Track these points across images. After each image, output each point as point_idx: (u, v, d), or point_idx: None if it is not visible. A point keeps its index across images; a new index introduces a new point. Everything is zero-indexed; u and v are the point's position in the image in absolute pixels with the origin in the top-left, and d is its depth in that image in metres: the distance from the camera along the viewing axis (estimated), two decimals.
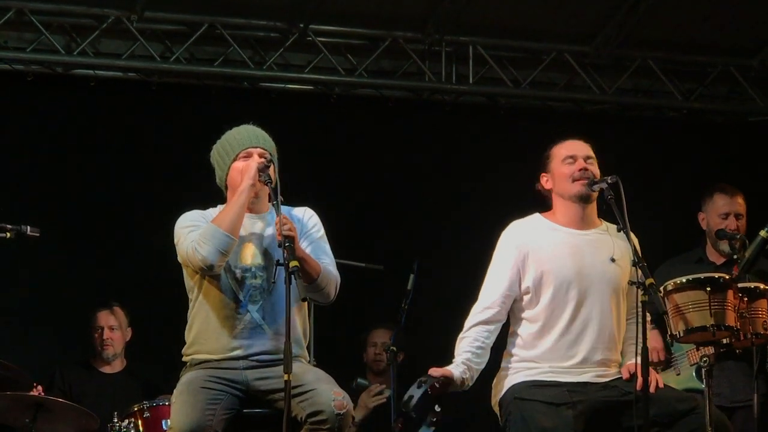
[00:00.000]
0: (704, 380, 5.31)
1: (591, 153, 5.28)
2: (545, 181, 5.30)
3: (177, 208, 5.39)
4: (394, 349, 6.17)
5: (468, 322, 5.20)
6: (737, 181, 6.63)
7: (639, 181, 6.61)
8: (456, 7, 8.00)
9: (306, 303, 5.27)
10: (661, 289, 5.18)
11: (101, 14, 7.75)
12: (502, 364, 5.25)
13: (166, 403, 6.09)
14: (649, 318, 5.15)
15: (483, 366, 5.16)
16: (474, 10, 8.06)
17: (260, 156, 5.24)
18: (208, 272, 5.14)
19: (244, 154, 5.27)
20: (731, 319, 5.17)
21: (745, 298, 5.26)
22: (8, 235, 6.00)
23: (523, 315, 5.21)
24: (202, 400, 5.03)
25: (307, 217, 5.34)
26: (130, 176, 7.91)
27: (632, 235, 5.07)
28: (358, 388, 7.20)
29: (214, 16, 7.91)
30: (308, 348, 5.47)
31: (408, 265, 6.32)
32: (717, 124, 8.88)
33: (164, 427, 6.21)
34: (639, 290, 4.94)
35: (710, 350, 5.37)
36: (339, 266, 5.45)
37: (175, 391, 5.16)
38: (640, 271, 4.95)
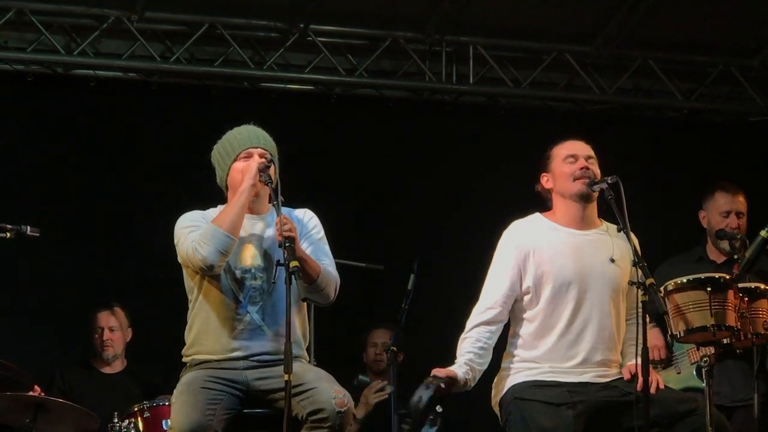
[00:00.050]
0: (704, 380, 5.32)
1: (592, 153, 5.28)
2: (546, 181, 5.30)
3: (177, 208, 5.39)
4: (395, 349, 6.17)
5: (470, 323, 5.20)
6: (738, 181, 6.62)
7: (639, 181, 6.59)
8: (456, 7, 8.00)
9: (305, 304, 5.27)
10: (662, 289, 5.18)
11: (101, 14, 7.75)
12: (503, 365, 5.25)
13: (166, 403, 6.09)
14: (648, 318, 5.16)
15: (485, 366, 5.16)
16: (474, 10, 8.06)
17: (261, 156, 5.24)
18: (208, 272, 5.14)
19: (244, 155, 5.27)
20: (732, 319, 5.17)
21: (746, 298, 5.27)
22: (8, 235, 5.99)
23: (524, 315, 5.21)
24: (203, 400, 5.03)
25: (307, 218, 5.34)
26: (130, 176, 7.91)
27: (632, 235, 5.07)
28: (359, 385, 7.20)
29: (214, 16, 7.91)
30: (308, 349, 5.46)
31: (408, 265, 6.32)
32: (717, 124, 8.88)
33: (164, 427, 6.21)
34: (639, 290, 4.94)
35: (711, 350, 5.37)
36: (339, 266, 5.45)
37: (175, 391, 5.16)
38: (640, 271, 4.95)
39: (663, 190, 8.44)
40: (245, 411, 5.16)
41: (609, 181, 5.13)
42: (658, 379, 5.13)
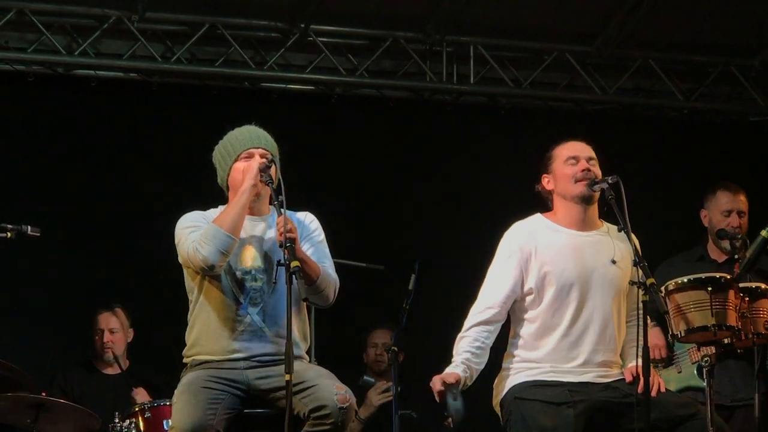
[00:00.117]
0: (705, 380, 5.32)
1: (593, 154, 5.27)
2: (546, 182, 5.30)
3: (178, 208, 5.39)
4: (396, 349, 6.17)
5: (468, 322, 5.20)
6: (738, 181, 6.62)
7: (640, 180, 6.59)
8: (457, 7, 8.00)
9: (306, 306, 5.28)
10: (662, 288, 5.18)
11: (102, 14, 7.76)
12: (503, 365, 5.25)
13: (167, 403, 6.10)
14: (649, 318, 5.16)
15: (482, 366, 5.16)
16: (475, 10, 8.06)
17: (262, 156, 5.24)
18: (208, 272, 5.14)
19: (245, 155, 5.27)
20: (732, 319, 5.17)
21: (747, 298, 5.27)
22: (9, 235, 5.99)
23: (525, 316, 5.21)
24: (204, 400, 5.03)
25: (308, 221, 5.34)
26: (131, 176, 7.91)
27: (632, 235, 5.07)
28: (364, 386, 7.20)
29: (215, 17, 7.91)
30: (309, 350, 5.46)
31: (409, 265, 6.32)
32: (718, 124, 8.88)
33: (165, 427, 6.21)
34: (640, 290, 4.94)
35: (711, 350, 5.37)
36: (340, 266, 5.45)
37: (176, 391, 5.16)
38: (640, 271, 4.95)
39: (663, 189, 8.44)
40: (246, 411, 5.16)
41: (609, 181, 5.13)
42: (660, 381, 5.12)
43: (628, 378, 5.10)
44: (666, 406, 5.05)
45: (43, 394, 6.50)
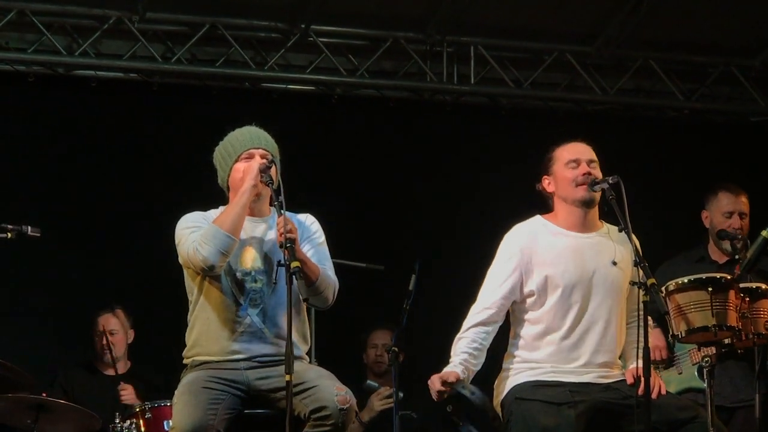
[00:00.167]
0: (706, 380, 5.31)
1: (594, 156, 5.26)
2: (547, 184, 5.29)
3: (178, 208, 5.39)
4: (396, 350, 6.17)
5: (466, 323, 5.20)
6: (739, 181, 6.62)
7: (640, 181, 6.60)
8: (457, 8, 8.00)
9: (306, 307, 5.28)
10: (663, 289, 5.18)
11: (102, 15, 7.76)
12: (504, 365, 5.25)
13: (168, 404, 6.10)
14: (650, 319, 5.15)
15: (479, 367, 5.17)
16: (475, 11, 8.06)
17: (262, 157, 5.24)
18: (209, 273, 5.14)
19: (245, 155, 5.27)
20: (733, 320, 5.17)
21: (747, 299, 5.27)
22: (9, 235, 6.00)
23: (526, 317, 5.21)
24: (204, 401, 5.03)
25: (309, 222, 5.35)
26: (131, 177, 7.91)
27: (633, 236, 5.07)
28: (367, 390, 7.20)
29: (215, 17, 7.91)
30: (309, 352, 5.47)
31: (409, 266, 6.32)
32: (718, 125, 8.88)
33: (166, 427, 6.21)
34: (640, 290, 4.94)
35: (712, 350, 5.37)
36: (340, 266, 5.45)
37: (176, 391, 5.16)
38: (641, 271, 4.95)
39: (664, 190, 8.44)
40: (246, 411, 5.16)
41: (610, 181, 5.12)
42: (661, 384, 5.12)
43: (629, 380, 5.09)
44: (666, 408, 5.04)
45: (44, 394, 6.50)
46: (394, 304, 6.30)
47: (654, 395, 4.99)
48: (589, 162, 5.22)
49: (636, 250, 5.02)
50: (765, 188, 7.67)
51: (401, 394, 6.05)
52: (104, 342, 7.23)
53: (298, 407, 5.00)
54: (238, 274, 5.20)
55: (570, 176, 5.20)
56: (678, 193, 8.28)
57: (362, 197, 8.22)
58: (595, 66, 8.53)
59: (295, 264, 4.88)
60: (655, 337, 6.05)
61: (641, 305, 4.96)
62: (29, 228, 6.01)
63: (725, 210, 6.41)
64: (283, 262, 4.95)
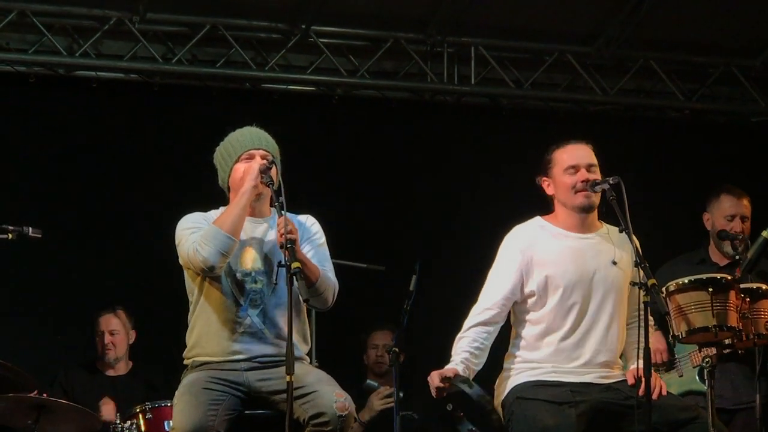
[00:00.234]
0: (706, 381, 5.31)
1: (593, 159, 5.25)
2: (546, 185, 5.29)
3: (179, 209, 5.40)
4: (396, 350, 6.17)
5: (467, 323, 5.21)
6: (739, 182, 6.62)
7: (641, 181, 6.60)
8: (458, 8, 8.00)
9: (306, 308, 5.28)
10: (663, 289, 5.18)
11: (103, 16, 7.76)
12: (505, 365, 5.26)
13: (168, 404, 6.10)
14: (652, 321, 5.16)
15: (480, 367, 5.17)
16: (476, 11, 8.06)
17: (262, 158, 5.24)
18: (209, 273, 5.14)
19: (246, 156, 5.27)
20: (733, 320, 5.17)
21: (748, 299, 5.27)
22: (10, 236, 5.99)
23: (527, 317, 5.21)
24: (204, 401, 5.03)
25: (310, 224, 5.35)
26: (132, 177, 7.91)
27: (633, 236, 5.07)
28: (367, 390, 7.20)
29: (216, 18, 7.91)
30: (310, 353, 5.47)
31: (410, 266, 6.32)
32: (719, 125, 8.88)
33: (166, 428, 6.21)
34: (641, 291, 4.94)
35: (712, 351, 5.37)
36: (340, 267, 5.45)
37: (176, 392, 5.16)
38: (641, 272, 4.95)
39: (664, 190, 8.44)
40: (247, 412, 5.16)
41: (611, 182, 5.12)
42: (662, 384, 5.12)
43: (631, 380, 5.09)
44: (667, 409, 5.05)
45: (44, 395, 6.50)
46: (395, 305, 6.30)
47: (655, 396, 4.99)
48: (588, 167, 5.21)
49: (636, 250, 5.02)
50: (765, 189, 7.66)
51: (401, 394, 6.05)
52: (105, 341, 7.23)
53: (298, 412, 5.00)
54: (239, 275, 5.20)
55: (569, 182, 5.20)
56: (678, 193, 8.29)
57: (363, 198, 8.22)
58: (596, 66, 8.53)
59: (295, 265, 4.88)
60: (656, 340, 6.05)
61: (641, 306, 4.96)
62: (30, 229, 6.01)
63: (727, 213, 6.41)
64: (283, 263, 4.95)
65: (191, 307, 5.28)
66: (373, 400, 7.19)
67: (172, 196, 7.33)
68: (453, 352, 5.16)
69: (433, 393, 5.07)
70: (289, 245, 4.93)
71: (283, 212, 5.01)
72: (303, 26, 7.99)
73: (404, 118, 8.44)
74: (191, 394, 5.08)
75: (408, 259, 6.37)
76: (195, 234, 5.16)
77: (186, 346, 5.29)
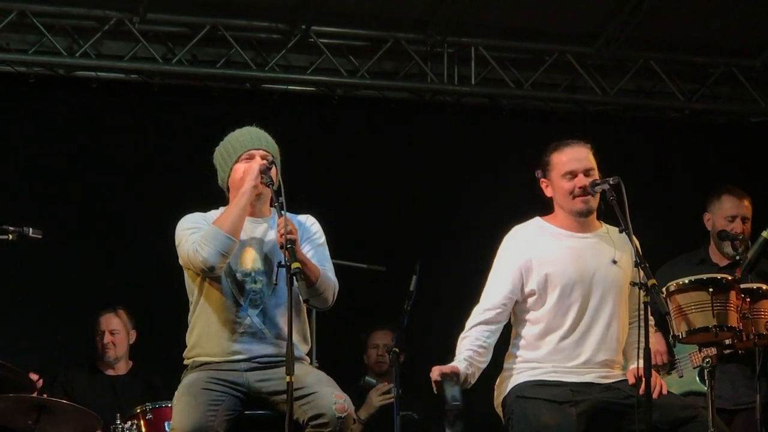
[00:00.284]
0: (706, 382, 5.31)
1: (590, 162, 5.23)
2: (545, 187, 5.30)
3: (179, 209, 5.40)
4: (397, 350, 6.18)
5: (469, 323, 5.22)
6: (739, 182, 6.63)
7: (641, 182, 6.60)
8: (458, 8, 8.00)
9: (306, 308, 5.28)
10: (664, 290, 5.19)
11: (103, 16, 7.75)
12: (505, 365, 5.26)
13: (169, 405, 6.09)
14: (653, 321, 5.16)
15: (485, 365, 5.17)
16: (476, 11, 8.05)
17: (262, 158, 5.24)
18: (209, 274, 5.14)
19: (246, 156, 5.27)
20: (734, 320, 5.17)
21: (748, 299, 5.27)
22: (10, 237, 5.99)
23: (527, 317, 5.22)
24: (204, 402, 5.03)
25: (309, 223, 5.35)
26: (132, 178, 7.91)
27: (633, 237, 5.07)
28: (365, 386, 7.20)
29: (216, 18, 7.90)
30: (310, 353, 5.47)
31: (410, 267, 6.32)
32: (719, 125, 8.88)
33: (167, 428, 6.20)
34: (641, 291, 4.94)
35: (713, 351, 5.37)
36: (341, 267, 5.45)
37: (176, 393, 5.16)
38: (641, 272, 4.95)
39: (664, 190, 8.44)
40: (247, 412, 5.16)
41: (611, 182, 5.13)
42: (662, 383, 5.12)
43: (631, 380, 5.10)
44: (667, 407, 5.05)
45: (44, 395, 6.50)
46: (395, 305, 6.30)
47: (655, 395, 4.99)
48: (586, 171, 5.20)
49: (636, 250, 5.02)
50: (766, 189, 7.67)
51: (399, 390, 6.06)
52: (105, 341, 7.23)
53: (297, 413, 4.99)
54: (239, 275, 5.20)
55: (567, 188, 5.21)
56: (678, 193, 8.29)
57: (363, 198, 8.22)
58: (596, 66, 8.52)
59: (295, 265, 4.88)
60: (656, 342, 6.04)
61: (642, 306, 4.96)
62: (31, 230, 6.01)
63: (728, 214, 6.41)
64: (283, 263, 4.95)
65: (191, 308, 5.29)
66: (372, 396, 7.20)
67: (172, 196, 7.33)
68: (457, 351, 5.17)
69: (434, 387, 5.08)
70: (289, 245, 4.93)
71: (283, 212, 5.01)
72: (303, 26, 7.99)
73: (404, 119, 8.44)
74: (191, 394, 5.08)
75: (408, 260, 6.38)
76: (195, 234, 5.16)
77: (186, 346, 5.30)
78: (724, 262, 6.42)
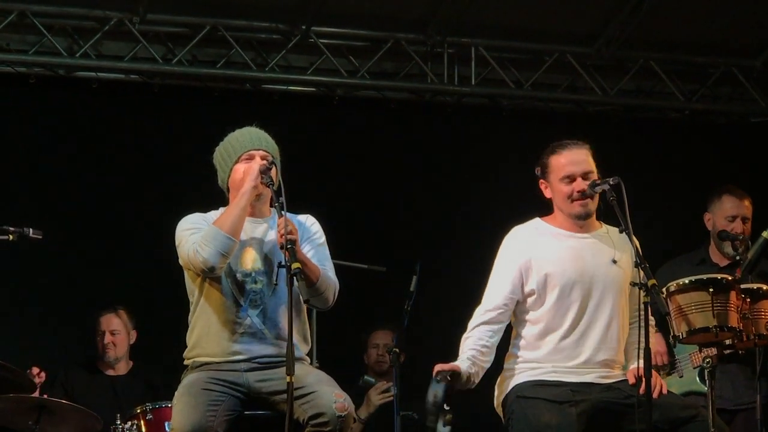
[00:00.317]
0: (707, 382, 5.32)
1: (588, 165, 5.22)
2: (544, 188, 5.30)
3: (179, 209, 5.40)
4: (397, 350, 6.18)
5: (471, 323, 5.22)
6: (739, 182, 6.63)
7: (641, 182, 6.60)
8: (458, 8, 8.00)
9: (306, 308, 5.28)
10: (664, 290, 5.18)
11: (103, 16, 7.76)
12: (505, 365, 5.26)
13: (169, 405, 6.09)
14: (654, 322, 5.16)
15: (489, 365, 5.17)
16: (476, 12, 8.06)
17: (262, 158, 5.24)
18: (209, 274, 5.14)
19: (246, 156, 5.27)
20: (734, 320, 5.17)
21: (748, 299, 5.27)
22: (11, 237, 5.99)
23: (527, 317, 5.22)
24: (204, 402, 5.03)
25: (309, 223, 5.35)
26: (132, 178, 7.91)
27: (633, 237, 5.07)
28: (364, 386, 7.20)
29: (216, 18, 7.91)
30: (311, 353, 5.47)
31: (410, 267, 6.32)
32: (719, 125, 8.88)
33: (167, 428, 6.20)
34: (641, 291, 4.94)
35: (713, 351, 5.37)
36: (341, 267, 5.45)
37: (176, 393, 5.16)
38: (642, 272, 4.95)
39: (664, 191, 8.44)
40: (246, 413, 5.16)
41: (611, 183, 5.12)
42: (662, 383, 5.12)
43: (631, 380, 5.09)
44: (668, 407, 5.05)
45: (44, 395, 6.50)
46: (395, 305, 6.30)
47: (655, 395, 4.99)
48: (584, 174, 5.19)
49: (637, 251, 5.02)
50: (766, 189, 7.67)
51: (398, 389, 6.06)
52: (105, 341, 7.24)
53: (297, 412, 4.99)
54: (239, 275, 5.20)
55: (565, 192, 5.21)
56: (679, 194, 8.29)
57: (363, 198, 8.22)
58: (596, 67, 8.53)
59: (295, 265, 4.89)
60: (656, 342, 6.05)
61: (642, 306, 4.96)
62: (31, 230, 6.01)
63: (728, 214, 6.41)
64: (283, 263, 4.95)
65: (191, 308, 5.29)
66: (371, 395, 7.20)
67: (173, 196, 7.33)
68: (460, 351, 5.17)
69: None
70: (289, 246, 4.93)
71: (283, 213, 5.01)
72: (303, 27, 7.99)
73: (404, 119, 8.44)
74: (190, 394, 5.08)
75: (408, 260, 6.38)
76: (195, 235, 5.16)
77: (186, 347, 5.30)
78: (724, 262, 6.42)
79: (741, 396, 6.19)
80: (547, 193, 5.29)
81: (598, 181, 5.17)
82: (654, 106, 8.82)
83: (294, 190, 5.13)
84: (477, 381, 5.14)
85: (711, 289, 5.15)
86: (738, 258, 6.26)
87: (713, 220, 6.48)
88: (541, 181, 5.29)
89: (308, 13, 7.92)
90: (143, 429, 6.31)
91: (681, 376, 6.29)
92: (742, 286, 5.30)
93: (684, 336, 5.20)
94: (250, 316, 5.18)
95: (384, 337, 7.53)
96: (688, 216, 6.84)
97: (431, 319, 7.21)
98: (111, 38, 7.86)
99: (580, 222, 5.23)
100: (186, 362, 5.29)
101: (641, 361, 4.92)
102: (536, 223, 5.31)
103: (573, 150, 5.24)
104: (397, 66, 8.34)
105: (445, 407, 5.08)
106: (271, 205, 5.30)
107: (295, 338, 5.03)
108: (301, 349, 5.24)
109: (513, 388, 5.17)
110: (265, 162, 5.21)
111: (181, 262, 5.25)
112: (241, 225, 5.15)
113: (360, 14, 8.06)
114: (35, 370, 6.55)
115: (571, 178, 5.19)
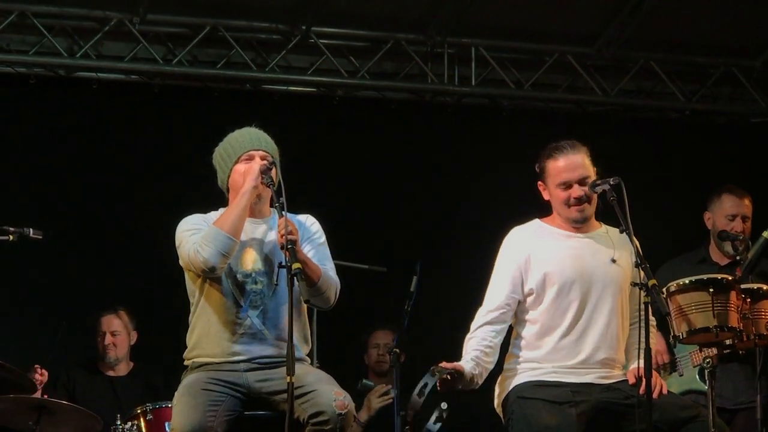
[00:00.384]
0: (707, 381, 5.32)
1: (585, 170, 5.21)
2: (542, 190, 5.31)
3: (179, 209, 5.40)
4: (397, 350, 6.18)
5: (474, 324, 5.23)
6: (739, 182, 6.63)
7: (641, 182, 6.60)
8: (458, 9, 8.00)
9: (306, 308, 5.28)
10: (664, 290, 5.18)
11: (103, 17, 7.76)
12: (505, 366, 5.27)
13: (169, 405, 6.09)
14: (654, 322, 5.16)
15: (492, 365, 5.18)
16: (476, 12, 8.06)
17: (262, 159, 5.24)
18: (209, 274, 5.15)
19: (246, 157, 5.27)
20: (734, 320, 5.17)
21: (748, 299, 5.27)
22: (11, 237, 6.00)
23: (526, 317, 5.22)
24: (203, 402, 5.03)
25: (309, 223, 5.35)
26: (132, 178, 7.91)
27: (634, 237, 5.07)
28: (363, 389, 7.20)
29: (216, 19, 7.91)
30: (311, 353, 5.47)
31: (410, 267, 6.32)
32: (719, 125, 8.88)
33: (167, 429, 6.20)
34: (641, 291, 4.94)
35: (713, 351, 5.37)
36: (342, 268, 5.45)
37: (176, 393, 5.16)
38: (642, 272, 4.96)
39: (664, 191, 8.44)
40: (246, 413, 5.16)
41: (611, 183, 5.12)
42: (662, 384, 5.12)
43: (631, 380, 5.10)
44: (668, 407, 5.05)
45: (45, 396, 6.50)
46: (396, 305, 6.30)
47: (655, 395, 5.00)
48: (581, 180, 5.19)
49: (637, 251, 5.02)
50: (766, 189, 7.67)
51: (396, 391, 6.06)
52: (106, 342, 7.24)
53: (297, 411, 4.99)
54: (239, 276, 5.20)
55: (562, 197, 5.21)
56: (679, 194, 8.29)
57: (363, 198, 8.22)
58: (596, 67, 8.53)
59: (296, 266, 4.89)
60: (657, 342, 6.04)
61: (642, 306, 4.96)
62: (31, 230, 6.01)
63: (728, 213, 6.41)
64: (284, 263, 4.95)
65: (192, 308, 5.29)
66: (371, 398, 7.19)
67: (173, 196, 7.34)
68: (463, 352, 5.17)
69: (438, 385, 5.08)
70: (289, 246, 4.93)
71: (283, 213, 5.01)
72: (303, 27, 7.99)
73: (405, 119, 8.44)
74: (190, 395, 5.08)
75: (408, 260, 6.38)
76: (195, 235, 5.17)
77: (186, 347, 5.30)
78: (724, 261, 6.42)
79: (741, 395, 6.20)
80: (545, 195, 5.30)
81: (598, 181, 5.17)
82: (654, 106, 8.82)
83: (294, 190, 5.13)
84: (480, 382, 5.15)
85: (711, 289, 5.15)
86: (738, 258, 6.26)
87: (713, 219, 6.48)
88: (539, 183, 5.30)
89: (308, 13, 7.92)
90: (143, 429, 6.32)
91: (681, 375, 6.29)
92: (743, 286, 5.30)
93: (684, 336, 5.20)
94: (251, 317, 5.18)
95: (384, 337, 7.53)
96: (688, 216, 6.84)
97: (431, 319, 7.22)
98: (111, 39, 7.86)
99: (578, 225, 5.24)
100: (186, 363, 5.29)
101: (641, 361, 4.92)
102: (536, 223, 5.32)
103: (569, 155, 5.23)
104: (397, 66, 8.34)
105: (443, 406, 5.08)
106: (271, 206, 5.30)
107: (296, 339, 5.03)
108: (302, 349, 5.24)
109: (513, 388, 5.17)
110: (265, 162, 5.21)
111: (181, 262, 5.25)
112: (242, 225, 5.15)
113: (360, 14, 8.06)
114: (37, 369, 6.55)
115: (567, 185, 5.20)
